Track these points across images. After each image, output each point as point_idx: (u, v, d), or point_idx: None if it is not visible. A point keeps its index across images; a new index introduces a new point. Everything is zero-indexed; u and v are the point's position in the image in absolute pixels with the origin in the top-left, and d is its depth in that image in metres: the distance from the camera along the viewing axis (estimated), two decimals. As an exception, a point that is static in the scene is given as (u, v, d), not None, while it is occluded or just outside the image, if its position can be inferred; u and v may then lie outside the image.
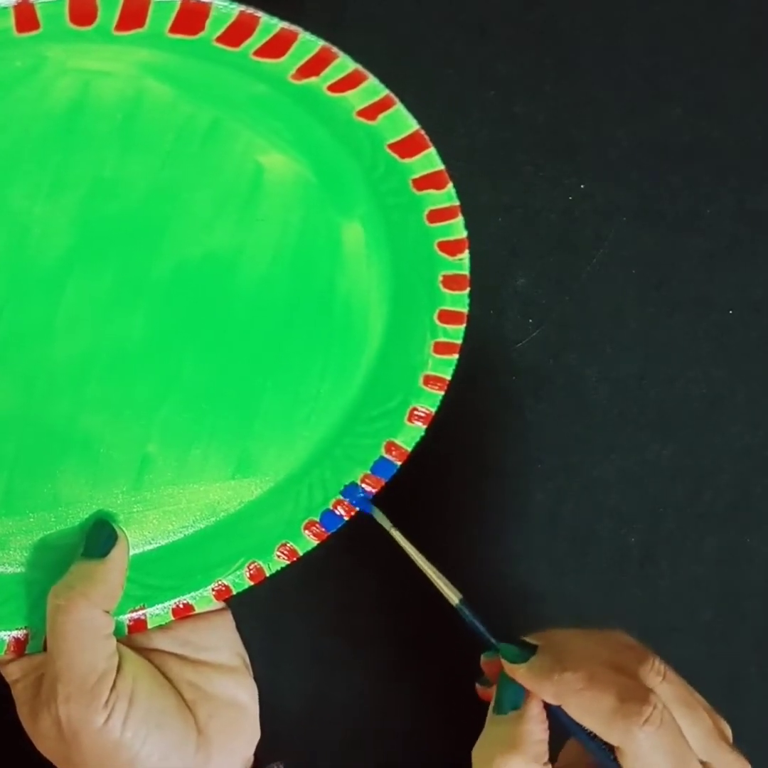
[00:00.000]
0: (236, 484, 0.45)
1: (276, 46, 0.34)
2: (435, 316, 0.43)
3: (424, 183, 0.39)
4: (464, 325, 0.43)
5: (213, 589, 0.45)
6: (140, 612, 0.44)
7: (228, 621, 0.47)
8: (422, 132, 0.37)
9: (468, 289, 0.42)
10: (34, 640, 0.42)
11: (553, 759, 0.39)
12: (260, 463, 0.45)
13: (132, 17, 0.33)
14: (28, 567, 0.43)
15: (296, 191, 0.41)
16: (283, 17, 0.34)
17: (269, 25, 0.34)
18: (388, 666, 0.52)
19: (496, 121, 0.50)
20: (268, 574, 0.46)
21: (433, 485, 0.51)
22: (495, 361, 0.51)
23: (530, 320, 0.51)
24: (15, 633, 0.42)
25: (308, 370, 0.44)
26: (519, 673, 0.39)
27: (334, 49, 0.35)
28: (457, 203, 0.40)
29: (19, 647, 0.42)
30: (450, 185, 0.39)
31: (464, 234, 0.40)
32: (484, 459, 0.52)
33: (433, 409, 0.45)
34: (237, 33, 0.34)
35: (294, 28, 0.34)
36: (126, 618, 0.44)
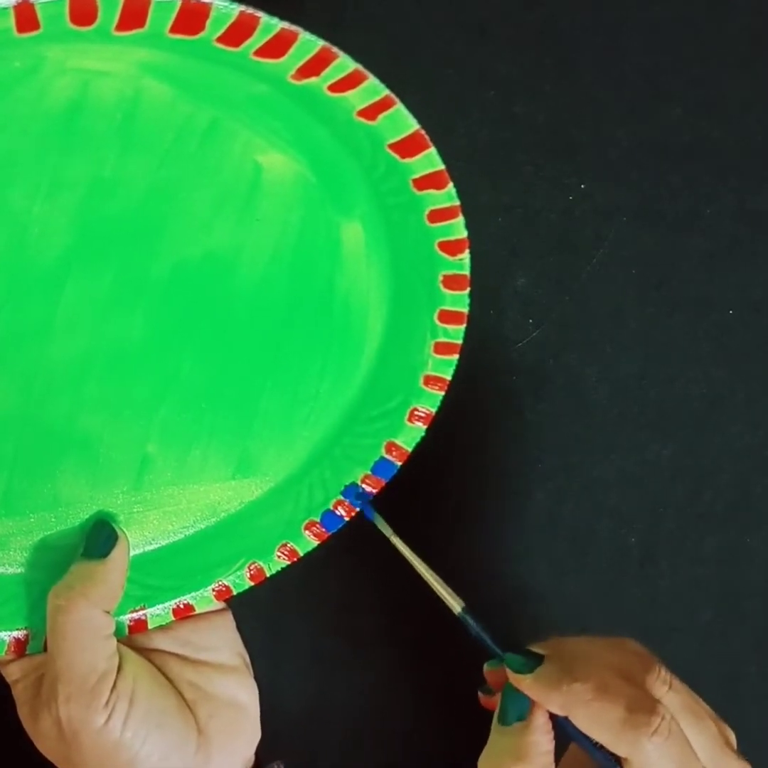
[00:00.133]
0: (236, 484, 0.45)
1: (276, 46, 0.34)
2: (435, 316, 0.43)
3: (424, 183, 0.39)
4: (464, 325, 0.43)
5: (213, 590, 0.45)
6: (141, 612, 0.44)
7: (228, 621, 0.47)
8: (422, 132, 0.37)
9: (468, 289, 0.42)
10: (35, 640, 0.42)
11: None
12: (260, 463, 0.45)
13: (132, 17, 0.33)
14: (28, 567, 0.43)
15: (296, 191, 0.41)
16: (283, 17, 0.34)
17: (269, 25, 0.34)
18: (389, 666, 0.52)
19: (496, 121, 0.50)
20: (268, 575, 0.45)
21: (433, 485, 0.51)
22: (495, 361, 0.51)
23: (530, 320, 0.51)
24: (15, 633, 0.42)
25: (308, 370, 0.44)
26: (525, 683, 0.39)
27: (335, 49, 0.35)
28: (457, 203, 0.39)
29: (20, 647, 0.42)
30: (450, 185, 0.39)
31: (464, 234, 0.40)
32: (484, 459, 0.52)
33: (434, 410, 0.45)
34: (237, 33, 0.34)
35: (294, 28, 0.34)
36: (126, 618, 0.44)
